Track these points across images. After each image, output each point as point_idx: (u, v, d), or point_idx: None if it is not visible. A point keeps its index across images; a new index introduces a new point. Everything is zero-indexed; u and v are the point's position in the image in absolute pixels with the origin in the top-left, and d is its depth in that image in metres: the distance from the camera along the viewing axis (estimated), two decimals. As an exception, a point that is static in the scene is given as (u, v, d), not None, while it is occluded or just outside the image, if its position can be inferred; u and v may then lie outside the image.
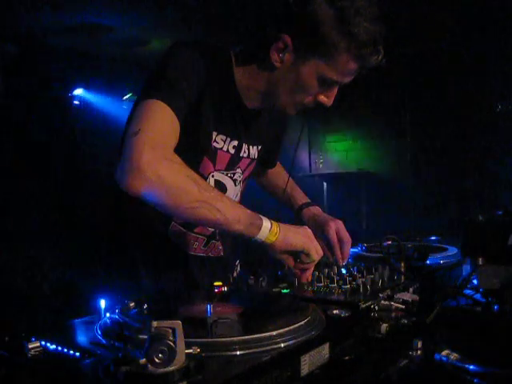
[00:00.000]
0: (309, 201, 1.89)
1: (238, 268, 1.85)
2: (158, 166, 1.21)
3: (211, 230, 1.67)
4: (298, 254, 1.34)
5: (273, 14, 1.39)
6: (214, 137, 1.51)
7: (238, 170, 1.64)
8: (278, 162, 2.03)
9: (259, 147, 1.71)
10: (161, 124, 1.29)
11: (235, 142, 1.58)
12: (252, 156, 1.68)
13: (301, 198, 1.90)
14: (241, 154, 1.62)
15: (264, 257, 1.39)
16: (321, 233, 1.68)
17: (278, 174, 2.01)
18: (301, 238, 1.32)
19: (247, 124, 1.59)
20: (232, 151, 1.58)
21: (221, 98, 1.48)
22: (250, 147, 1.66)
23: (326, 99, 1.47)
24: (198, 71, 1.41)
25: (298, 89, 1.44)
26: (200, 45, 1.46)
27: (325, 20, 1.31)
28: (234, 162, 1.61)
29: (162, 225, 1.58)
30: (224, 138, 1.54)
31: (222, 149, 1.55)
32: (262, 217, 1.29)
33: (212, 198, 1.25)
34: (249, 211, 1.29)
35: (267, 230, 1.27)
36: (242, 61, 1.50)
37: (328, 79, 1.41)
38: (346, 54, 1.35)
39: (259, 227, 1.27)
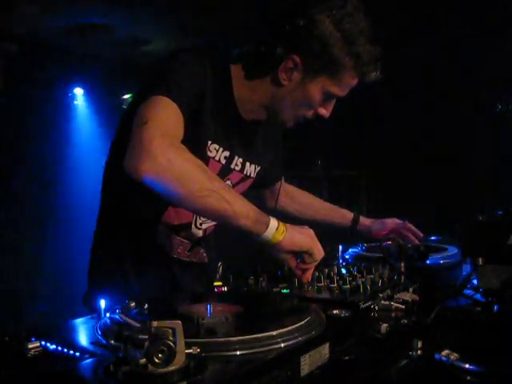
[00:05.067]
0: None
1: (221, 270, 1.84)
2: (168, 152, 1.21)
3: (197, 236, 1.66)
4: (299, 254, 1.33)
5: (281, 34, 1.41)
6: (208, 145, 1.52)
7: (228, 183, 1.62)
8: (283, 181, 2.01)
9: (258, 167, 1.71)
10: (168, 116, 1.31)
11: (227, 153, 1.57)
12: (247, 173, 1.67)
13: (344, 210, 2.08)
14: (231, 166, 1.61)
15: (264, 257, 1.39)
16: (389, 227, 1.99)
17: (307, 196, 2.10)
18: (305, 238, 1.31)
19: (241, 136, 1.60)
20: (223, 161, 1.57)
21: (218, 108, 1.49)
22: (247, 164, 1.66)
23: (325, 111, 1.53)
24: (199, 78, 1.42)
25: (303, 104, 1.49)
26: (201, 53, 1.47)
27: (333, 42, 1.38)
28: (224, 172, 1.59)
29: (149, 225, 1.58)
30: (217, 147, 1.54)
31: (214, 158, 1.54)
32: (268, 215, 1.28)
33: (221, 188, 1.25)
34: (256, 208, 1.27)
35: (274, 228, 1.25)
36: (244, 74, 1.51)
37: (332, 94, 1.48)
38: (351, 72, 1.44)
39: (266, 224, 1.25)
